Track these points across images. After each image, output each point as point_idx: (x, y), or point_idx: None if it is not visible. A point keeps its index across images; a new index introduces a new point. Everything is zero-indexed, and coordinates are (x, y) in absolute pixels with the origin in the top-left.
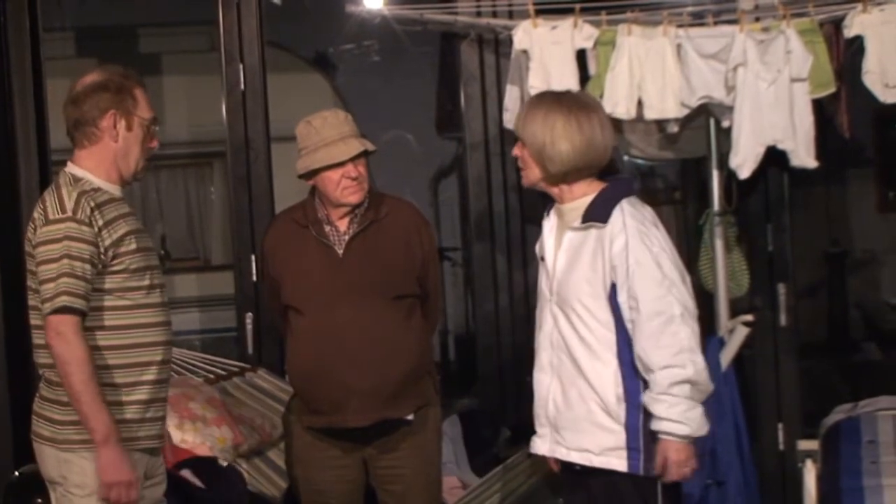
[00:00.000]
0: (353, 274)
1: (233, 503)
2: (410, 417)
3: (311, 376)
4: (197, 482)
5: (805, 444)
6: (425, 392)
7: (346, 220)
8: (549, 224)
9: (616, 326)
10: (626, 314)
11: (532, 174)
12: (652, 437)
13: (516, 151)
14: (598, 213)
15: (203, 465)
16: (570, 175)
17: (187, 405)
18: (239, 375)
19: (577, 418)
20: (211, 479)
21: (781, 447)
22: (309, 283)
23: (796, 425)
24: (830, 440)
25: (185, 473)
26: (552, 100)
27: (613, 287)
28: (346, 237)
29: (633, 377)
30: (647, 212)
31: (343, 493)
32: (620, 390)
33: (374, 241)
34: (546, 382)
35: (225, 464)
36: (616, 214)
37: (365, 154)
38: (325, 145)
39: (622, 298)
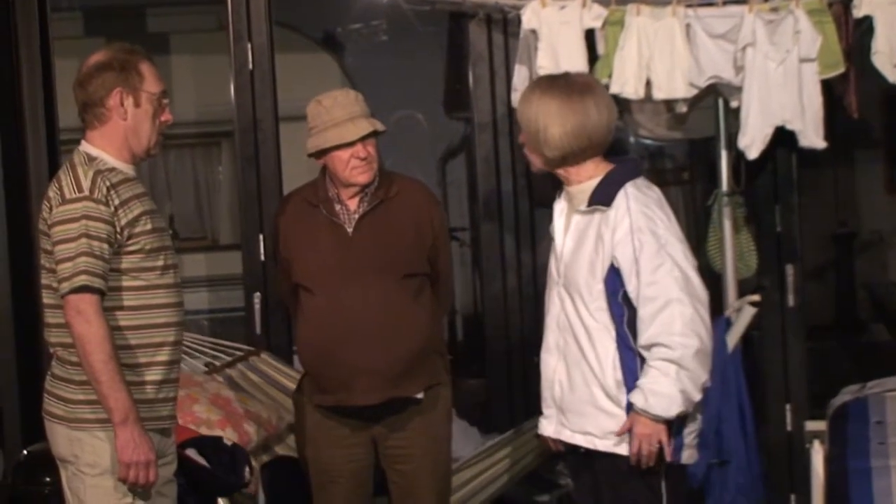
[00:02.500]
0: (362, 253)
1: (238, 482)
2: (420, 396)
3: (319, 355)
4: (202, 461)
5: (812, 425)
6: (435, 371)
7: (357, 199)
8: (560, 207)
9: (613, 311)
10: (636, 302)
11: (535, 160)
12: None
13: (522, 138)
14: (602, 197)
15: (208, 444)
16: (569, 159)
17: (191, 409)
18: (243, 361)
19: (580, 401)
20: (216, 459)
21: (789, 428)
22: (319, 261)
23: (804, 406)
24: (838, 421)
25: (190, 453)
26: (546, 85)
27: (611, 271)
28: (356, 216)
29: (632, 362)
30: (654, 193)
31: (352, 472)
32: (619, 375)
33: (384, 219)
34: (552, 364)
35: (230, 443)
36: (620, 198)
37: (375, 134)
38: (335, 125)
39: (631, 286)
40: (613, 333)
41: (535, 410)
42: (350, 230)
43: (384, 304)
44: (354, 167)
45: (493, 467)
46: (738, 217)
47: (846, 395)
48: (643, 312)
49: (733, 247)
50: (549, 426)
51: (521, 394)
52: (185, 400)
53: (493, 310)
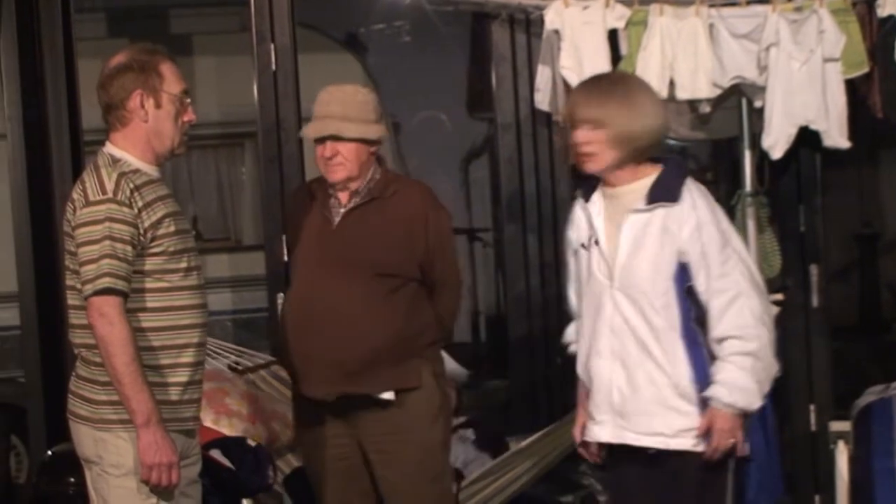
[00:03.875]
0: (339, 246)
1: (261, 483)
2: (387, 397)
3: (285, 344)
4: (226, 462)
5: (837, 426)
6: (409, 375)
7: (347, 193)
8: (595, 209)
9: (681, 307)
10: (705, 296)
11: (604, 158)
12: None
13: (583, 138)
14: (665, 194)
15: (231, 445)
16: (644, 153)
17: (223, 400)
18: (265, 368)
19: (647, 402)
20: (240, 460)
21: (813, 429)
22: (303, 251)
23: (828, 407)
24: (862, 421)
25: (214, 454)
26: (624, 80)
27: (680, 267)
28: (343, 210)
29: (701, 357)
30: (704, 189)
31: (339, 471)
32: (690, 371)
33: (371, 217)
34: (607, 369)
35: (253, 444)
36: (686, 194)
37: (337, 138)
38: (312, 120)
39: (700, 280)
40: (680, 330)
41: (556, 411)
42: (335, 223)
43: (347, 298)
44: (324, 164)
45: (514, 470)
46: (762, 217)
47: (870, 395)
48: (713, 305)
49: (757, 247)
50: (602, 432)
51: (544, 394)
52: (216, 392)
53: (516, 310)
